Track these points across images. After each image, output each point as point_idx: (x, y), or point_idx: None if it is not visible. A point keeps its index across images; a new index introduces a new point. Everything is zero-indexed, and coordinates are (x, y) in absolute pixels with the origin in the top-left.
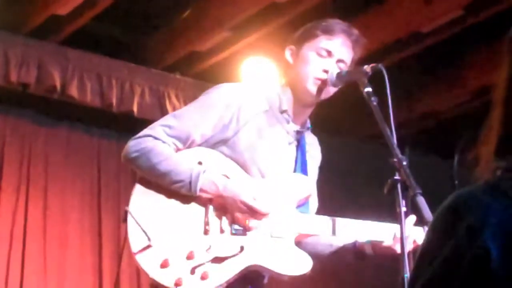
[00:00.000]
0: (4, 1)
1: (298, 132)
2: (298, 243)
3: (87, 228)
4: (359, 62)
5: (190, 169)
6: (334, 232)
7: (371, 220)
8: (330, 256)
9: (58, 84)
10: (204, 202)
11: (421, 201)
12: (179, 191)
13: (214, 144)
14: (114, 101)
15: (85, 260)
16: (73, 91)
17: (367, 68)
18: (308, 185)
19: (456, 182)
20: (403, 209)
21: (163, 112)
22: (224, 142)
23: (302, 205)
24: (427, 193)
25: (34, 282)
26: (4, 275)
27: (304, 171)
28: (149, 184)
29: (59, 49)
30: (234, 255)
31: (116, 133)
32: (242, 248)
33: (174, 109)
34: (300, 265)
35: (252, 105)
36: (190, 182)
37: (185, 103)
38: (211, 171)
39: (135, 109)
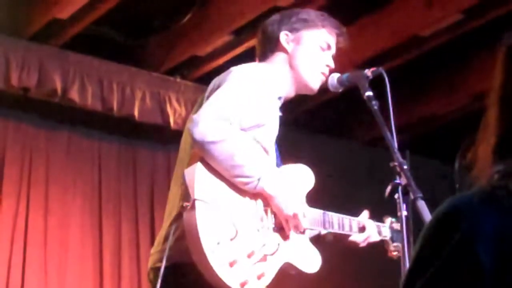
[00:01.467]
0: (5, 5)
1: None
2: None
3: (88, 232)
4: (360, 66)
5: (261, 166)
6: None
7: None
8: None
9: (59, 88)
10: (255, 196)
11: (422, 205)
12: (241, 186)
13: (250, 127)
14: (115, 105)
15: (86, 264)
16: (74, 95)
17: (367, 72)
18: (312, 178)
19: (457, 186)
20: (404, 213)
21: (164, 116)
22: (258, 126)
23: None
24: (427, 197)
25: (35, 286)
26: (5, 278)
27: (278, 160)
28: (211, 169)
29: (60, 53)
30: (274, 252)
31: (117, 137)
32: (278, 245)
33: (175, 113)
34: (316, 262)
35: (268, 90)
36: (258, 179)
37: (186, 107)
38: (273, 174)
39: (136, 113)
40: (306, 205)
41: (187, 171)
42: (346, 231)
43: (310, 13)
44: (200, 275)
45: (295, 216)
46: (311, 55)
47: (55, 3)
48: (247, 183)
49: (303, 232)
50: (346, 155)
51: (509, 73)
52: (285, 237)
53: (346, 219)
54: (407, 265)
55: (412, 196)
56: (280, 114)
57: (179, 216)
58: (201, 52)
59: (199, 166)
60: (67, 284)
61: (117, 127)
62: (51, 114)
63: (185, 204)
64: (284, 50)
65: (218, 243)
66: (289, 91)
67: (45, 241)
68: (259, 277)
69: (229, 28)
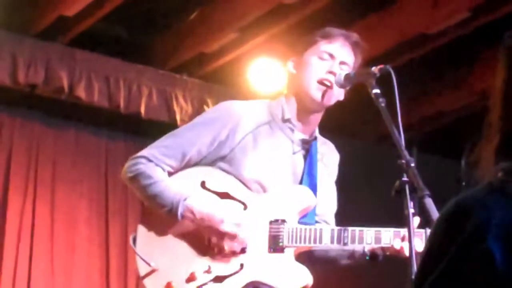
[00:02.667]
0: (11, 3)
1: (305, 141)
2: (309, 253)
3: (94, 229)
4: (363, 65)
5: (174, 195)
6: (340, 242)
7: (378, 222)
8: (344, 261)
9: (65, 85)
10: (194, 227)
11: (429, 202)
12: (168, 216)
13: (213, 161)
14: (121, 102)
15: (92, 261)
16: (81, 92)
17: (375, 69)
18: (308, 196)
19: (464, 183)
20: (411, 210)
21: (170, 113)
22: (222, 158)
23: (305, 216)
24: (435, 195)
25: (41, 284)
26: (11, 276)
27: (312, 180)
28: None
29: (67, 50)
30: (234, 273)
31: (123, 134)
32: (242, 266)
33: (181, 110)
34: (299, 279)
35: (250, 119)
36: (171, 209)
37: (192, 104)
38: (195, 197)
39: (142, 110)
40: (295, 223)
41: None
42: (348, 247)
43: (318, 32)
44: None
45: (218, 233)
46: (309, 68)
47: (62, 1)
48: (167, 212)
49: (281, 250)
50: (352, 153)
51: (511, 72)
52: (250, 257)
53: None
54: (415, 263)
55: (419, 194)
56: (299, 134)
57: None
58: (208, 49)
59: (142, 208)
60: (74, 280)
61: (123, 124)
62: (58, 112)
63: (133, 234)
64: (292, 76)
65: (152, 271)
66: (298, 110)
67: (51, 237)
68: None
69: (236, 25)
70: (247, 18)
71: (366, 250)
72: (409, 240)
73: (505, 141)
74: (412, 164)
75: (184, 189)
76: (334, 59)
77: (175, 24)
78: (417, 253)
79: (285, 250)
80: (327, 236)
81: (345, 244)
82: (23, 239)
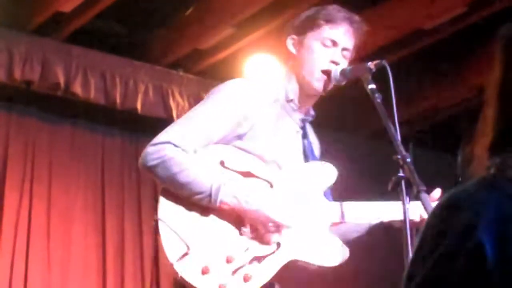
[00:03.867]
0: None
1: (303, 120)
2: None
3: (91, 225)
4: (363, 59)
5: (211, 181)
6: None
7: None
8: (359, 237)
9: (62, 81)
10: (230, 211)
11: (425, 198)
12: (198, 202)
13: (230, 139)
14: (117, 98)
15: (89, 257)
16: (77, 88)
17: (371, 65)
18: (333, 172)
19: (460, 179)
20: (407, 206)
21: (167, 109)
22: (239, 137)
23: (327, 193)
24: (431, 190)
25: (38, 279)
26: (8, 271)
27: (315, 158)
28: (173, 192)
29: (63, 46)
30: (272, 253)
31: (120, 130)
32: (279, 245)
33: (177, 106)
34: (338, 253)
35: (262, 98)
36: (210, 195)
37: (189, 100)
38: (232, 183)
39: (138, 106)
40: (324, 199)
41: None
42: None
43: (319, 11)
44: None
45: (268, 219)
46: (312, 54)
47: None
48: (201, 199)
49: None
50: (348, 149)
51: (507, 67)
52: (287, 235)
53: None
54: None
55: (415, 189)
56: (298, 114)
57: None
58: (204, 45)
59: (162, 191)
60: (71, 278)
61: (120, 120)
62: (54, 108)
63: (155, 217)
64: (292, 55)
65: (185, 254)
66: (301, 94)
67: (48, 235)
68: (245, 280)
69: (232, 21)
70: (243, 14)
71: (383, 221)
72: (405, 234)
73: (499, 136)
74: (408, 160)
75: (217, 174)
76: (337, 46)
77: (171, 20)
78: None
79: (320, 226)
80: (359, 208)
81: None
82: (19, 235)
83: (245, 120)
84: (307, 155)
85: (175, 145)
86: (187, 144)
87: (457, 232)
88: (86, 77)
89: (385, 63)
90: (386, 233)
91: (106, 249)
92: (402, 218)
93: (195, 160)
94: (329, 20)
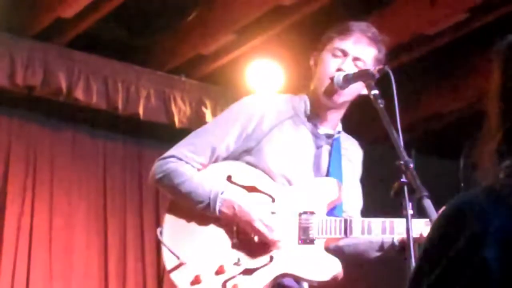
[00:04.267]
0: (9, 5)
1: (329, 136)
2: (338, 250)
3: (93, 231)
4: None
5: (210, 190)
6: (370, 233)
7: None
8: (373, 253)
9: (63, 87)
10: (227, 220)
11: (428, 203)
12: (203, 212)
13: (239, 154)
14: (119, 103)
15: (91, 263)
16: (79, 94)
17: (373, 70)
18: (336, 188)
19: (462, 184)
20: (410, 211)
21: (169, 115)
22: (248, 152)
23: (334, 208)
24: (433, 196)
25: (40, 283)
26: (10, 278)
27: (338, 174)
28: (179, 204)
29: (65, 52)
30: (264, 265)
31: (121, 136)
32: (271, 258)
33: (179, 111)
34: (328, 270)
35: (275, 113)
36: (209, 203)
37: (191, 106)
38: (230, 191)
39: (140, 111)
40: (324, 215)
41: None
42: (374, 235)
43: (337, 27)
44: None
45: (255, 230)
46: (322, 66)
47: (60, 2)
48: (204, 208)
49: (310, 242)
50: None
51: (506, 73)
52: (280, 249)
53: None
54: (414, 264)
55: (417, 195)
56: (322, 129)
57: None
58: (206, 51)
59: (170, 203)
60: (72, 283)
61: (122, 126)
62: (56, 113)
63: (159, 228)
64: (312, 71)
65: (180, 265)
66: (316, 106)
67: (50, 240)
68: None
69: (234, 27)
70: (245, 19)
71: (395, 240)
72: (408, 241)
73: (506, 139)
74: (411, 165)
75: (217, 184)
76: (347, 56)
77: (173, 25)
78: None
79: (315, 241)
80: (357, 227)
81: (376, 234)
82: (21, 241)
83: (253, 133)
84: (323, 171)
85: (178, 158)
86: (191, 157)
87: (463, 246)
88: (88, 82)
89: (388, 68)
90: (400, 254)
91: (108, 255)
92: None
93: (198, 172)
94: (340, 32)
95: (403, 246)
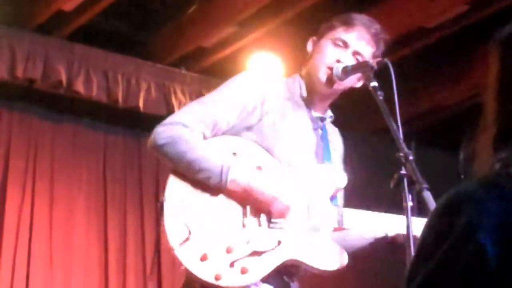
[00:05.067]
0: None
1: (321, 119)
2: (337, 237)
3: (93, 221)
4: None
5: (221, 160)
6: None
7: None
8: (363, 249)
9: (64, 80)
10: (237, 197)
11: (428, 195)
12: (206, 181)
13: (240, 130)
14: (120, 96)
15: (91, 254)
16: (79, 87)
17: (373, 62)
18: (342, 178)
19: (462, 176)
20: (410, 203)
21: (169, 108)
22: (248, 128)
23: (334, 198)
24: (433, 188)
25: (40, 276)
26: (10, 268)
27: (329, 160)
28: (182, 175)
29: (65, 45)
30: (272, 249)
31: (122, 128)
32: (279, 243)
33: (180, 104)
34: (336, 259)
35: (275, 92)
36: (221, 173)
37: (191, 98)
38: (242, 165)
39: (141, 104)
40: (329, 203)
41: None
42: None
43: (340, 16)
44: None
45: (274, 200)
46: (321, 52)
47: None
48: (208, 177)
49: (317, 229)
50: (350, 146)
51: (505, 65)
52: (288, 234)
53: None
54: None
55: (417, 187)
56: (314, 112)
57: None
58: (206, 43)
59: (171, 173)
60: (73, 273)
61: (122, 118)
62: (56, 106)
63: (161, 199)
64: (308, 55)
65: (186, 239)
66: (311, 91)
67: (50, 232)
68: (242, 272)
69: (234, 19)
70: (245, 12)
71: (388, 234)
72: (407, 233)
73: (501, 132)
74: (411, 157)
75: (226, 157)
76: (348, 48)
77: (173, 18)
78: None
79: (321, 229)
80: (361, 217)
81: (382, 230)
82: (21, 233)
83: (254, 110)
84: (320, 155)
85: (184, 125)
86: (195, 125)
87: (458, 233)
88: (89, 75)
89: (387, 60)
90: (391, 248)
91: (108, 246)
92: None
93: (203, 141)
94: (344, 22)
95: (395, 239)
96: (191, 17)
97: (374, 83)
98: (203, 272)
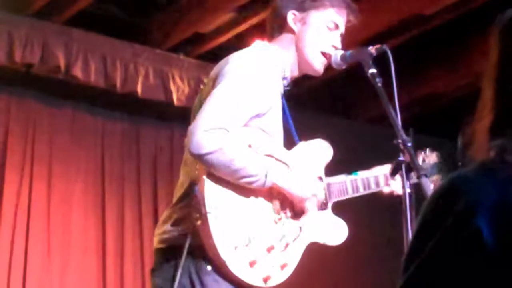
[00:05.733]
0: None
1: (285, 93)
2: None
3: (91, 206)
4: (363, 44)
5: (263, 164)
6: (369, 188)
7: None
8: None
9: (62, 65)
10: (265, 193)
11: (426, 182)
12: (248, 185)
13: (249, 120)
14: (118, 81)
15: (88, 240)
16: (77, 72)
17: (371, 49)
18: (329, 149)
19: (460, 163)
20: (408, 190)
21: (167, 93)
22: (259, 115)
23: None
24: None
25: (37, 262)
26: (8, 254)
27: (295, 134)
28: (218, 179)
29: (63, 30)
30: (297, 237)
31: (120, 114)
32: (300, 229)
33: (178, 90)
34: (342, 232)
35: (276, 75)
36: (266, 176)
37: (189, 84)
38: (276, 166)
39: (139, 89)
40: (325, 178)
41: (197, 188)
42: (372, 189)
43: None
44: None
45: (303, 200)
46: (317, 36)
47: None
48: (253, 182)
49: (325, 207)
50: (348, 133)
51: (504, 51)
52: (306, 219)
53: (372, 177)
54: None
55: (415, 174)
56: (285, 88)
57: (178, 201)
58: (204, 29)
59: (206, 180)
60: (70, 260)
61: (120, 104)
62: (54, 91)
63: (196, 215)
64: (291, 31)
65: (235, 248)
66: (294, 71)
67: (48, 216)
68: (282, 268)
69: (232, 5)
70: None
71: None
72: (405, 218)
73: (498, 119)
74: (409, 144)
75: (264, 159)
76: (338, 30)
77: (172, 3)
78: None
79: (328, 205)
80: (361, 185)
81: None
82: (19, 217)
83: (267, 99)
84: (292, 130)
85: (226, 130)
86: (233, 128)
87: (455, 218)
88: (87, 60)
89: (386, 47)
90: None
91: (106, 231)
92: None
93: (245, 147)
94: (334, 4)
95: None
96: (189, 3)
97: (373, 70)
98: (254, 278)
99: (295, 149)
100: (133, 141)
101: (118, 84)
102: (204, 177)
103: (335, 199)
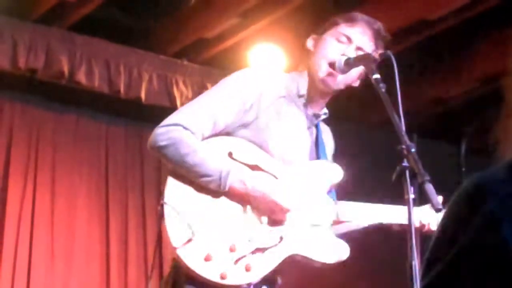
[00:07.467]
0: None
1: (316, 116)
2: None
3: (94, 213)
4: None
5: (220, 165)
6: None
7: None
8: (354, 232)
9: (66, 70)
10: (237, 199)
11: (430, 188)
12: (206, 185)
13: (236, 128)
14: (122, 87)
15: (92, 245)
16: (81, 77)
17: (375, 54)
18: (338, 172)
19: (464, 169)
20: (411, 196)
21: (171, 99)
22: (245, 126)
23: (329, 192)
24: (435, 180)
25: (41, 267)
26: (12, 259)
27: (324, 157)
28: (181, 177)
29: (67, 35)
30: (274, 246)
31: (123, 119)
32: (281, 238)
33: (181, 95)
34: (337, 252)
35: (272, 90)
36: (220, 178)
37: (193, 90)
38: (240, 170)
39: (143, 95)
40: (328, 198)
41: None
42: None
43: (343, 14)
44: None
45: (273, 203)
46: (324, 48)
47: None
48: (209, 182)
49: (318, 224)
50: (352, 138)
51: None
52: (291, 230)
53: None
54: (415, 249)
55: (419, 179)
56: (310, 110)
57: None
58: (209, 34)
59: (170, 175)
60: (74, 264)
61: (124, 109)
62: (58, 97)
63: (161, 202)
64: (309, 52)
65: (188, 240)
66: (311, 89)
67: (52, 222)
68: (247, 269)
69: (236, 10)
70: (248, 3)
71: (383, 223)
72: (409, 225)
73: None
74: (413, 150)
75: (225, 160)
76: (351, 43)
77: (176, 9)
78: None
79: (322, 224)
80: (357, 209)
81: (378, 221)
82: (23, 223)
83: (251, 109)
84: (314, 153)
85: (184, 127)
86: (196, 127)
87: (480, 225)
88: (90, 65)
89: (390, 53)
90: (385, 234)
91: (110, 237)
92: (401, 222)
93: (203, 144)
94: (347, 19)
95: (389, 227)
96: (193, 8)
97: (377, 76)
98: (208, 272)
99: (298, 166)
100: (137, 146)
101: (122, 89)
102: (170, 173)
103: (333, 218)
